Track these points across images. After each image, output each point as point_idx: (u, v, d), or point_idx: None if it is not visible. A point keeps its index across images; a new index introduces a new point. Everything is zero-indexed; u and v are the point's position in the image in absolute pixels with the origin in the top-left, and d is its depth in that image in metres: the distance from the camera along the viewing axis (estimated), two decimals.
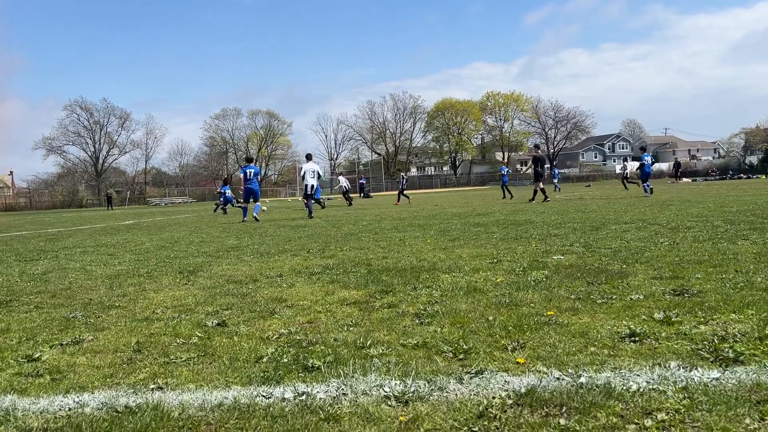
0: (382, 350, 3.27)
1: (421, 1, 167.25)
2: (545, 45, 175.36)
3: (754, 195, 18.16)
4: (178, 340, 3.70)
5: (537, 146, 24.30)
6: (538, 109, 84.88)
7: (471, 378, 2.76)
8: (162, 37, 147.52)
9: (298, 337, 3.63)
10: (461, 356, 3.10)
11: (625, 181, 33.10)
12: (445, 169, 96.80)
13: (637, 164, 28.43)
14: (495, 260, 6.45)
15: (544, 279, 5.16)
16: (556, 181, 38.75)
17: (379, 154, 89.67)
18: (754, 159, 75.94)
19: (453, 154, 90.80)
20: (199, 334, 3.82)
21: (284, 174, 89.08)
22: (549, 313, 3.88)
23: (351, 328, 3.80)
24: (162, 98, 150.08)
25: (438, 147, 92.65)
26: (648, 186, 21.90)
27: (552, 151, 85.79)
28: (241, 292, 5.28)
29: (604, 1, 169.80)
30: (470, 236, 9.29)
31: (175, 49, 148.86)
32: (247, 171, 17.55)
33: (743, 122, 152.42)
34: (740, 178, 51.61)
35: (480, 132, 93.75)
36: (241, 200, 18.42)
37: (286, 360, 3.18)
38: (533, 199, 21.42)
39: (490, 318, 3.84)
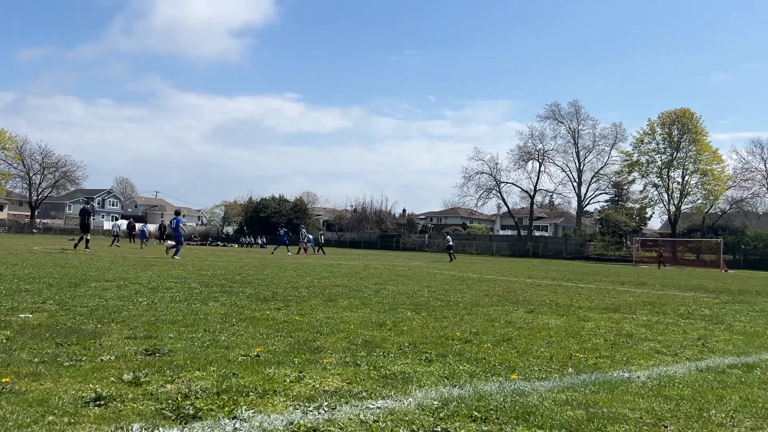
0: None
1: None
2: (39, 86, 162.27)
3: (227, 261, 20.34)
4: None
5: (87, 201, 29.06)
6: (24, 151, 76.24)
7: None
8: None
9: None
10: None
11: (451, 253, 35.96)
12: None
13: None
14: None
15: (5, 340, 4.51)
16: (311, 244, 35.79)
17: None
18: (230, 229, 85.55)
19: None
20: None
21: None
22: (4, 380, 3.38)
23: None
24: None
25: None
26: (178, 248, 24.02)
27: (35, 198, 77.88)
28: None
29: (107, 57, 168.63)
30: None
31: None
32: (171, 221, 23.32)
33: (224, 196, 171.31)
34: (218, 245, 57.13)
35: None
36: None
37: None
38: (77, 246, 23.45)
39: None
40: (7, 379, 3.39)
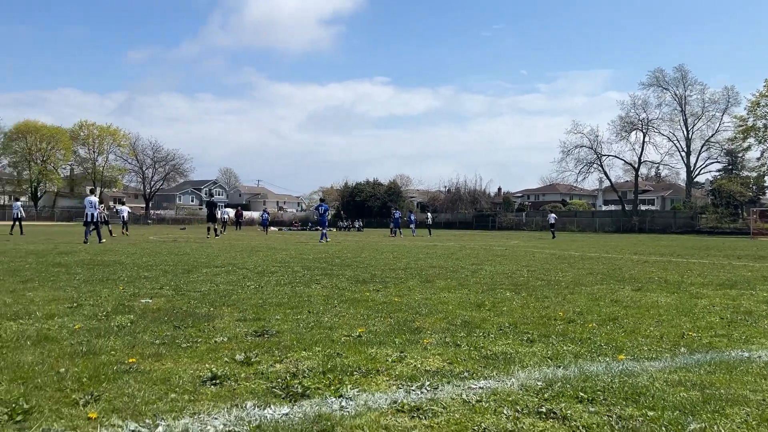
0: None
1: (11, 6, 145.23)
2: (146, 85, 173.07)
3: (327, 245, 20.88)
4: None
5: (211, 194, 31.84)
6: (137, 147, 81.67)
7: None
8: None
9: None
10: (19, 418, 2.65)
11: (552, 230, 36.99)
12: (23, 199, 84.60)
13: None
14: (75, 304, 5.84)
15: (129, 324, 4.88)
16: (413, 226, 38.21)
17: None
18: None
19: (35, 184, 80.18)
20: None
21: None
22: (131, 360, 3.66)
23: None
24: None
25: (16, 174, 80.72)
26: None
27: (149, 191, 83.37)
28: None
29: (206, 54, 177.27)
30: (47, 277, 8.24)
31: None
32: (320, 208, 25.05)
33: (320, 182, 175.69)
34: (317, 230, 58.78)
35: (69, 163, 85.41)
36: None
37: None
38: (217, 234, 26.58)
39: (62, 370, 3.41)
40: (133, 360, 3.67)
